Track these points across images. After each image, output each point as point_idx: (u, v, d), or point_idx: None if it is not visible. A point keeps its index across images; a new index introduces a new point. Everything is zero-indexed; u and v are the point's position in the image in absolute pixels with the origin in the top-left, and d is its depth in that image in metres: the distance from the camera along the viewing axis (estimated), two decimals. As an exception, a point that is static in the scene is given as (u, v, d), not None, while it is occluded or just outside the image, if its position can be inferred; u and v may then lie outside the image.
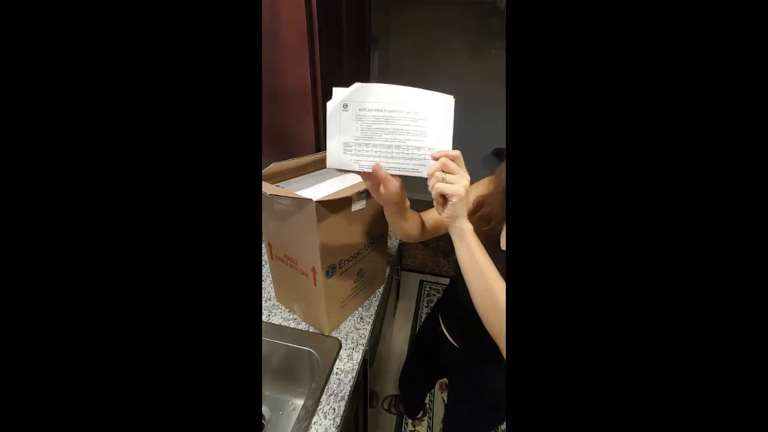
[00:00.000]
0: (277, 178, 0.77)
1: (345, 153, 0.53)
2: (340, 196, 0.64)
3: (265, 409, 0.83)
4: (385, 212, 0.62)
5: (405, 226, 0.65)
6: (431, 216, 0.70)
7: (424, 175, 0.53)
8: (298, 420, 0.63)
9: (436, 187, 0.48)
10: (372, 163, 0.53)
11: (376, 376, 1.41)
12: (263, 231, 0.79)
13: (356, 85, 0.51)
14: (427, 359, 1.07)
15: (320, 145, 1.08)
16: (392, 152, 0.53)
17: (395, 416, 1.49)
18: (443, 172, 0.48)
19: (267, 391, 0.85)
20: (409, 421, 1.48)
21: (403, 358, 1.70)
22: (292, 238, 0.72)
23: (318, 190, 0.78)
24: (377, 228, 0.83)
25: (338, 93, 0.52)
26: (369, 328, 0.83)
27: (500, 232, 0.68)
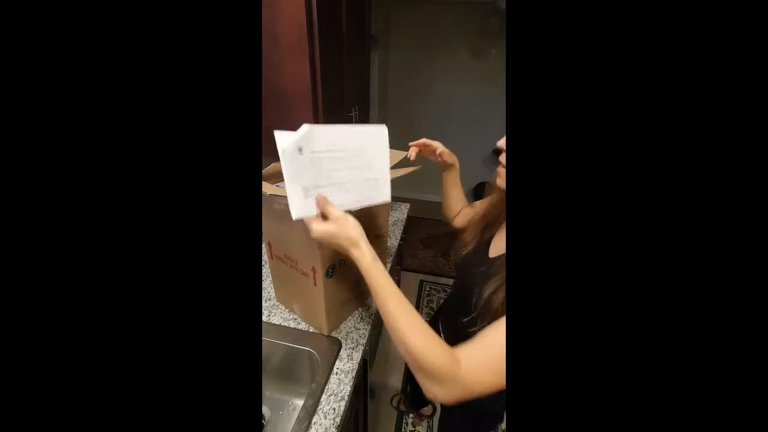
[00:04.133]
0: (277, 178, 0.77)
1: (307, 198, 0.53)
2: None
3: (265, 409, 0.83)
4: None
5: (451, 198, 0.85)
6: (469, 209, 0.84)
7: (375, 201, 0.61)
8: (298, 420, 0.63)
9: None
10: (332, 199, 0.55)
11: (376, 376, 1.41)
12: (263, 231, 0.79)
13: (305, 128, 0.52)
14: None
15: (320, 145, 1.08)
16: (347, 187, 0.57)
17: (395, 417, 1.49)
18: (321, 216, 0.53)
19: (267, 391, 0.85)
20: (409, 421, 1.48)
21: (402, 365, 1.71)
22: (292, 238, 0.72)
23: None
24: (377, 228, 0.83)
25: (285, 137, 0.51)
26: (369, 328, 0.83)
27: (491, 238, 0.67)
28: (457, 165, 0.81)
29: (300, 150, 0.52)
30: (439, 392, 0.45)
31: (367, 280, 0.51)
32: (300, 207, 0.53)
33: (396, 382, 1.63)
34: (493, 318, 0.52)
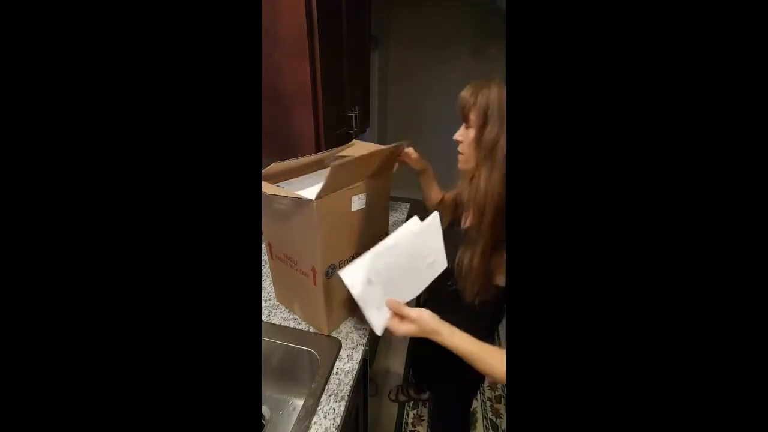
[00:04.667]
0: (277, 178, 0.77)
1: (381, 311, 0.60)
2: (340, 196, 0.64)
3: (265, 409, 0.83)
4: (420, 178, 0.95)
5: (429, 194, 0.98)
6: (447, 195, 0.94)
7: (435, 276, 0.68)
8: (298, 420, 0.63)
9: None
10: (401, 298, 0.61)
11: (377, 365, 1.41)
12: (263, 231, 0.79)
13: (368, 257, 0.56)
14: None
15: (320, 145, 1.08)
16: (413, 281, 0.65)
17: (395, 416, 1.49)
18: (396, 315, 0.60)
19: (267, 391, 0.85)
20: (409, 421, 1.48)
21: (404, 357, 1.73)
22: (292, 238, 0.72)
23: (318, 190, 0.78)
24: (377, 228, 0.83)
25: (353, 272, 0.56)
26: (369, 328, 0.83)
27: (462, 213, 0.78)
28: (430, 168, 0.94)
29: (370, 282, 0.57)
30: None
31: (458, 353, 0.58)
32: (380, 322, 0.59)
33: (398, 367, 1.67)
34: (475, 278, 0.65)
